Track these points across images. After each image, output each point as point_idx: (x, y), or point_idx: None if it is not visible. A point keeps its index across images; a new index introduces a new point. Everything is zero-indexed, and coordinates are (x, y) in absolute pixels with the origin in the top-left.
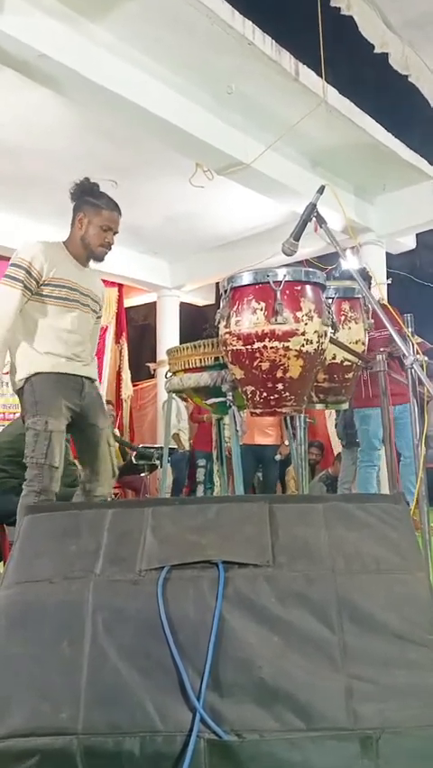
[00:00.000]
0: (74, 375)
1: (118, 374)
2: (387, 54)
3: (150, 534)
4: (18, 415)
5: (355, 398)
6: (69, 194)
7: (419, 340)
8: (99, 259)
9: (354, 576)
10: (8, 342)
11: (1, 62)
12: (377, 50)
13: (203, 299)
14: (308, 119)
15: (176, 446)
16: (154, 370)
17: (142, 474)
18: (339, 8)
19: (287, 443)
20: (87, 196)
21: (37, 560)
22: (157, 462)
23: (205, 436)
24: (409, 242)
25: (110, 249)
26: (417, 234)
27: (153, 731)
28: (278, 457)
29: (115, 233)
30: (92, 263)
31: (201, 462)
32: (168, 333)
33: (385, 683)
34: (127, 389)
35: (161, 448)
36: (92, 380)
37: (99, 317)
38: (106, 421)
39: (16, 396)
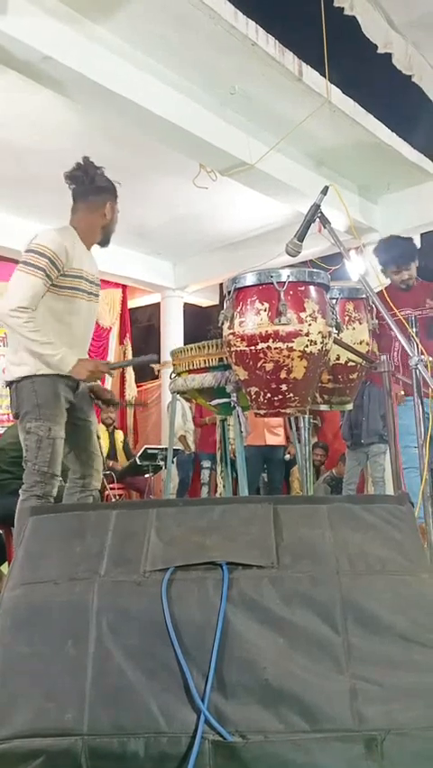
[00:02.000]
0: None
1: (122, 375)
2: (390, 54)
3: (154, 535)
4: None
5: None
6: (71, 178)
7: None
8: (108, 244)
9: (359, 577)
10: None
11: (5, 64)
12: (380, 50)
13: (207, 300)
14: (311, 119)
15: (182, 447)
16: (158, 371)
17: (147, 475)
18: (342, 8)
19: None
20: (103, 183)
21: (42, 561)
22: (161, 463)
23: (208, 438)
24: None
25: None
26: (421, 234)
27: (158, 732)
28: (287, 457)
29: None
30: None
31: (205, 464)
32: (172, 334)
33: (390, 684)
34: (131, 390)
35: (166, 449)
36: None
37: (98, 296)
38: (95, 415)
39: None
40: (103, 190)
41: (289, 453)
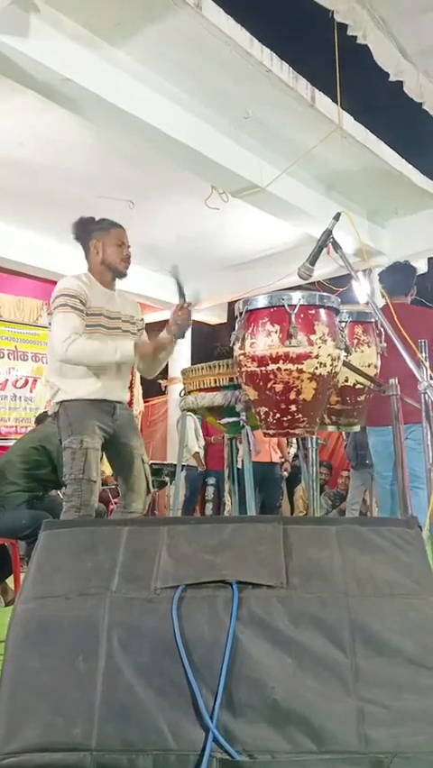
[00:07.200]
0: (105, 400)
1: (130, 389)
2: (402, 82)
3: (165, 552)
4: (29, 429)
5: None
6: (74, 237)
7: None
8: (124, 274)
9: (367, 599)
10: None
11: (24, 84)
12: (392, 78)
13: (215, 318)
14: (322, 144)
15: (195, 464)
16: (165, 387)
17: (152, 490)
18: (355, 37)
19: (285, 456)
20: (90, 225)
21: (54, 575)
22: (166, 479)
23: (214, 455)
24: (422, 266)
25: (129, 262)
26: (429, 258)
27: (166, 749)
28: (285, 474)
29: (128, 246)
30: (117, 282)
31: (211, 481)
32: (179, 351)
33: (397, 708)
34: (138, 405)
35: (170, 465)
36: (122, 403)
37: (135, 333)
38: (139, 440)
39: (31, 415)
40: (87, 232)
41: (285, 470)
